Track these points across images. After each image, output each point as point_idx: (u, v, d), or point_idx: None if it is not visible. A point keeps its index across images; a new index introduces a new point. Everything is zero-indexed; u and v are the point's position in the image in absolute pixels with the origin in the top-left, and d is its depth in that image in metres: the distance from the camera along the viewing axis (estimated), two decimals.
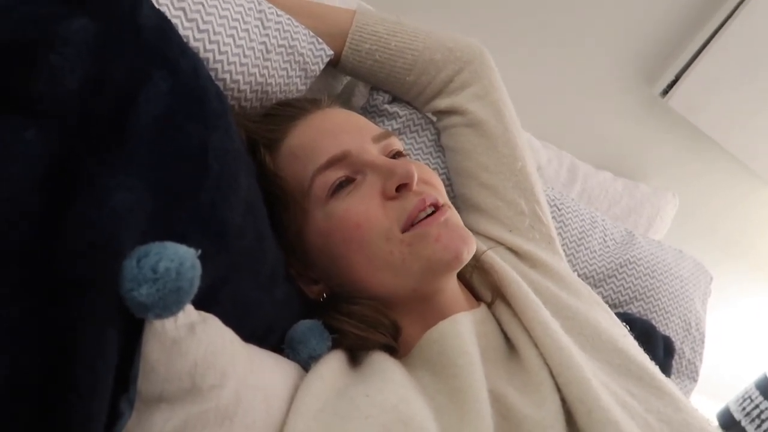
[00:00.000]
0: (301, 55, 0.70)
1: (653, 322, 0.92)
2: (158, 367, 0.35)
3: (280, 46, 0.67)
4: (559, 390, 0.51)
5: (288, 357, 0.53)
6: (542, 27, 1.12)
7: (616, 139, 1.27)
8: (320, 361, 0.52)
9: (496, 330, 0.60)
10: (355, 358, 0.57)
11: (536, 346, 0.55)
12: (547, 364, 0.54)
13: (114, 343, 0.33)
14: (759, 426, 1.24)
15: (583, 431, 0.48)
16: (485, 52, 0.78)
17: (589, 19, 1.12)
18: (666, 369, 0.88)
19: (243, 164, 0.52)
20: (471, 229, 0.72)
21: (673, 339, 0.93)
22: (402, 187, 0.57)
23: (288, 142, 0.61)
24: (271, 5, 0.68)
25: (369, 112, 0.83)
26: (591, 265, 0.92)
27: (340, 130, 0.61)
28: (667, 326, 0.94)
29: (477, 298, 0.66)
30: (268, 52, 0.66)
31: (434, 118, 0.84)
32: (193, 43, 0.56)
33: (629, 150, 1.29)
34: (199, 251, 0.36)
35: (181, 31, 0.54)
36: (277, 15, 0.68)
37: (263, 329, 0.52)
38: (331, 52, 0.74)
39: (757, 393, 1.28)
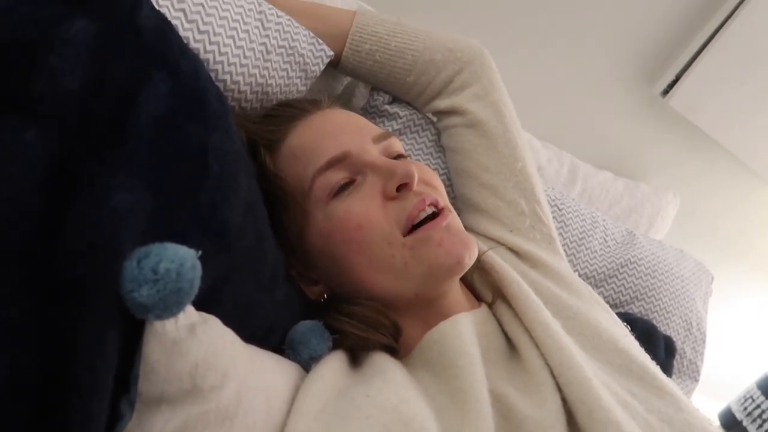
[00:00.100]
0: (302, 55, 0.70)
1: (654, 322, 0.92)
2: (159, 367, 0.35)
3: (280, 47, 0.67)
4: (560, 390, 0.51)
5: (289, 358, 0.53)
6: (542, 27, 1.12)
7: (617, 139, 1.27)
8: (321, 361, 0.52)
9: (496, 330, 0.60)
10: (356, 358, 0.57)
11: (537, 346, 0.55)
12: (547, 365, 0.53)
13: (114, 343, 0.33)
14: (761, 426, 1.24)
15: (584, 431, 0.48)
16: (485, 52, 0.78)
17: (590, 20, 1.12)
18: (667, 369, 0.88)
19: (243, 165, 0.52)
20: (471, 230, 0.72)
21: (675, 339, 0.93)
22: (402, 187, 0.57)
23: (288, 142, 0.61)
24: (271, 6, 0.68)
25: (369, 112, 0.83)
26: (592, 265, 0.92)
27: (340, 131, 0.61)
28: (668, 326, 0.94)
29: (478, 298, 0.66)
30: (268, 53, 0.66)
31: (434, 119, 0.84)
32: (193, 45, 0.56)
33: (630, 150, 1.29)
34: (200, 252, 0.36)
35: (182, 33, 0.54)
36: (277, 16, 0.68)
37: (264, 330, 0.52)
38: (332, 53, 0.74)
39: (758, 393, 1.28)
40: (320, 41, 0.73)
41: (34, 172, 0.33)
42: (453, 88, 0.77)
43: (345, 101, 0.89)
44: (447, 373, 0.52)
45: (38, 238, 0.32)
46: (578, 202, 0.97)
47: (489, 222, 0.72)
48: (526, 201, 0.72)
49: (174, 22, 0.53)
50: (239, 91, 0.64)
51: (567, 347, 0.54)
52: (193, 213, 0.43)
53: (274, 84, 0.68)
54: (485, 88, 0.76)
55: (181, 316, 0.36)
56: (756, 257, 1.47)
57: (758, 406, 1.26)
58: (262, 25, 0.65)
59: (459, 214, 0.65)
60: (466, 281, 0.67)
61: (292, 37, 0.69)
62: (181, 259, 0.34)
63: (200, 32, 0.57)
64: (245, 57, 0.63)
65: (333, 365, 0.52)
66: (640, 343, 0.63)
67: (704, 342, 0.98)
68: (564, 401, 0.51)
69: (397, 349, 0.57)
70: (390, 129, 0.81)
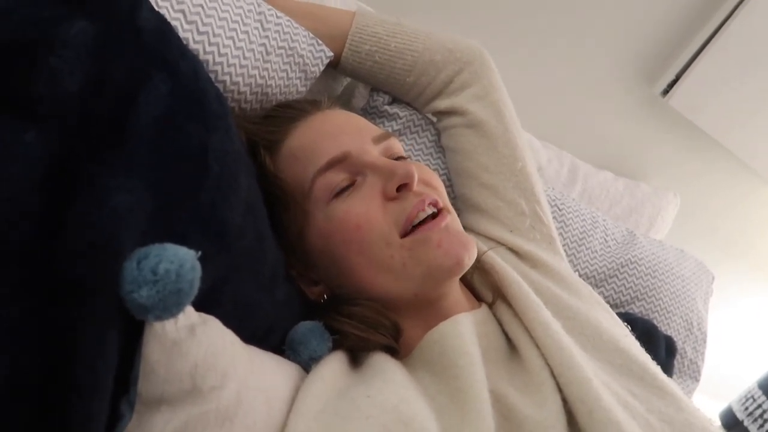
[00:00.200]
0: (301, 56, 0.70)
1: (655, 322, 0.92)
2: (158, 368, 0.35)
3: (279, 47, 0.67)
4: (560, 390, 0.51)
5: (289, 358, 0.53)
6: (543, 28, 1.12)
7: (617, 139, 1.27)
8: (321, 362, 0.52)
9: (497, 330, 0.60)
10: (356, 359, 0.57)
11: (537, 346, 0.55)
12: (548, 365, 0.53)
13: (114, 343, 0.34)
14: (761, 426, 1.24)
15: (585, 431, 0.48)
16: (485, 53, 0.78)
17: (590, 20, 1.12)
18: (668, 369, 0.88)
19: (243, 165, 0.52)
20: (471, 230, 0.72)
21: (675, 339, 0.93)
22: (402, 188, 0.57)
23: (288, 143, 0.62)
24: (270, 7, 0.68)
25: (369, 113, 0.83)
26: (592, 265, 0.92)
27: (340, 132, 0.61)
28: (668, 326, 0.94)
29: (478, 298, 0.66)
30: (267, 53, 0.66)
31: (434, 119, 0.84)
32: (192, 45, 0.57)
33: (630, 150, 1.29)
34: (199, 253, 0.36)
35: (181, 33, 0.54)
36: (277, 17, 0.68)
37: (264, 330, 0.52)
38: (331, 54, 0.74)
39: (759, 392, 1.28)
40: (320, 42, 0.73)
41: (34, 173, 0.33)
42: (453, 88, 0.77)
43: (345, 102, 0.89)
44: (447, 373, 0.52)
45: (38, 238, 0.32)
46: (578, 202, 0.97)
47: (489, 222, 0.72)
48: (526, 201, 0.72)
49: (173, 23, 0.54)
50: (239, 92, 0.64)
51: (567, 347, 0.53)
52: (193, 213, 0.43)
53: (273, 85, 0.68)
54: (485, 88, 0.76)
55: (181, 316, 0.36)
56: (756, 257, 1.47)
57: (759, 405, 1.26)
58: (262, 26, 0.65)
59: (459, 215, 0.65)
60: (466, 281, 0.67)
61: (291, 38, 0.69)
62: (180, 260, 0.34)
63: (200, 33, 0.57)
64: (245, 58, 0.63)
65: (333, 366, 0.52)
66: (640, 343, 0.63)
67: (705, 342, 0.98)
68: (564, 401, 0.51)
69: (397, 349, 0.57)
70: (390, 129, 0.81)
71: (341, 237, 0.57)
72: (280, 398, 0.45)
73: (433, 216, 0.58)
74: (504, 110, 0.76)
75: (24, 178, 0.32)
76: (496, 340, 0.59)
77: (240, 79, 0.63)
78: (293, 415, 0.44)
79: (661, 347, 0.87)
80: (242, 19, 0.63)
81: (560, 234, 0.88)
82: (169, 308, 0.34)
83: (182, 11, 0.55)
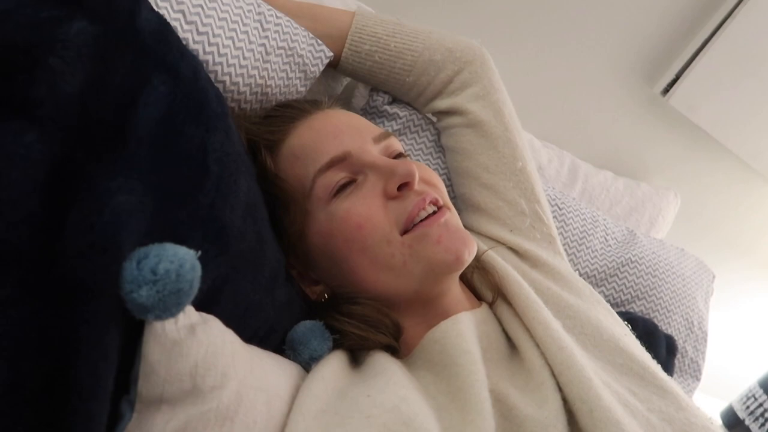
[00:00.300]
0: (301, 56, 0.70)
1: (655, 321, 0.92)
2: (159, 368, 0.35)
3: (279, 48, 0.67)
4: (560, 389, 0.51)
5: (289, 358, 0.53)
6: (542, 27, 1.12)
7: (617, 139, 1.27)
8: (321, 361, 0.52)
9: (497, 330, 0.60)
10: (357, 358, 0.57)
11: (537, 345, 0.55)
12: (548, 364, 0.53)
13: (114, 344, 0.34)
14: (763, 425, 1.23)
15: (585, 431, 0.48)
16: (485, 52, 0.78)
17: (590, 19, 1.12)
18: (668, 368, 0.88)
19: (243, 166, 0.52)
20: (472, 229, 0.73)
21: (676, 338, 0.93)
22: (403, 187, 0.57)
23: (289, 143, 0.62)
24: (270, 7, 0.68)
25: (369, 113, 0.83)
26: (592, 265, 0.92)
27: (340, 131, 0.61)
28: (669, 325, 0.94)
29: (478, 297, 0.66)
30: (267, 54, 0.66)
31: (434, 119, 0.84)
32: (192, 46, 0.57)
33: (630, 149, 1.29)
34: (199, 253, 0.36)
35: (181, 34, 0.54)
36: (277, 17, 0.68)
37: (264, 330, 0.53)
38: (331, 54, 0.74)
39: (761, 392, 1.28)
40: (319, 42, 0.73)
41: (35, 175, 0.33)
42: (453, 88, 0.77)
43: (345, 102, 0.89)
44: (448, 372, 0.52)
45: (39, 240, 0.32)
46: (579, 202, 0.97)
47: (489, 222, 0.72)
48: (527, 200, 0.72)
49: (173, 23, 0.54)
50: (239, 92, 0.64)
51: (567, 346, 0.54)
52: (193, 214, 0.43)
53: (273, 85, 0.68)
54: (485, 88, 0.76)
55: (181, 316, 0.36)
56: (757, 255, 1.47)
57: (761, 404, 1.26)
58: (261, 26, 0.65)
59: (459, 214, 0.65)
60: (466, 281, 0.67)
61: (291, 38, 0.69)
62: (180, 260, 0.34)
63: (199, 33, 0.57)
64: (244, 58, 0.63)
65: (333, 365, 0.52)
66: (641, 342, 0.64)
67: (705, 341, 0.98)
68: (564, 401, 0.51)
69: (397, 348, 0.57)
70: (390, 129, 0.81)
71: (342, 236, 0.57)
72: (281, 398, 0.45)
73: (434, 214, 0.58)
74: (504, 110, 0.76)
75: (24, 179, 0.32)
76: (496, 339, 0.59)
77: (240, 79, 0.63)
78: (293, 415, 0.44)
79: (661, 346, 0.87)
80: (242, 20, 0.63)
81: (560, 233, 0.88)
82: (169, 308, 0.34)
83: (182, 12, 0.55)
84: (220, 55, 0.60)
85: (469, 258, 0.56)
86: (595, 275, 0.92)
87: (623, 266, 0.94)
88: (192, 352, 0.36)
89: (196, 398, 0.37)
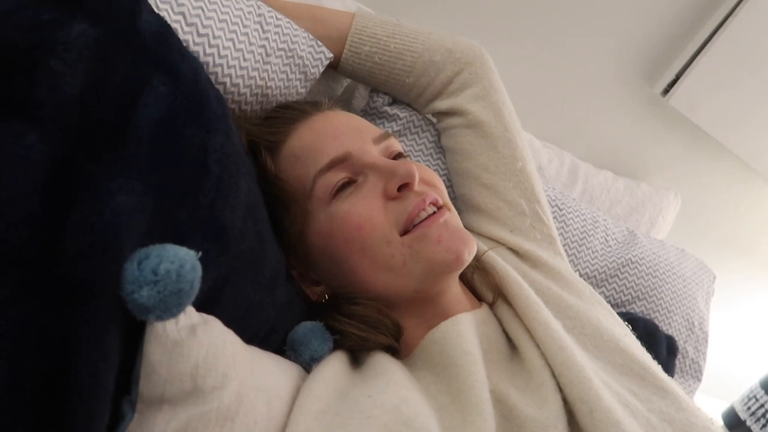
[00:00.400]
0: (301, 58, 0.70)
1: (656, 322, 0.92)
2: (160, 368, 0.35)
3: (279, 49, 0.67)
4: (560, 390, 0.51)
5: (290, 358, 0.53)
6: (543, 28, 1.12)
7: (617, 139, 1.27)
8: (322, 362, 0.53)
9: (497, 330, 0.60)
10: (357, 358, 0.57)
11: (538, 346, 0.55)
12: (548, 365, 0.54)
13: (115, 344, 0.34)
14: (764, 426, 1.23)
15: (585, 431, 0.48)
16: (485, 53, 0.78)
17: (590, 19, 1.12)
18: (669, 368, 0.88)
19: (243, 167, 0.52)
20: (472, 230, 0.73)
21: (677, 338, 0.93)
22: (404, 187, 0.57)
23: (289, 144, 0.62)
24: (270, 9, 0.68)
25: (369, 114, 0.83)
26: (593, 265, 0.92)
27: (340, 132, 0.61)
28: (670, 325, 0.94)
29: (478, 298, 0.66)
30: (267, 55, 0.66)
31: (434, 120, 0.84)
32: (192, 48, 0.57)
33: (630, 149, 1.29)
34: (200, 253, 0.37)
35: (181, 36, 0.54)
36: (277, 18, 0.68)
37: (265, 331, 0.53)
38: (331, 55, 0.74)
39: (762, 392, 1.27)
40: (319, 43, 0.73)
41: (35, 175, 0.33)
42: (453, 88, 0.77)
43: (345, 103, 0.89)
44: (448, 373, 0.52)
45: (39, 240, 0.33)
46: (579, 202, 0.97)
47: (489, 222, 0.72)
48: (527, 201, 0.72)
49: (173, 25, 0.54)
50: (239, 94, 0.64)
51: (568, 347, 0.54)
52: (194, 215, 0.44)
53: (273, 86, 0.68)
54: (485, 88, 0.76)
55: (182, 317, 0.36)
56: (758, 256, 1.46)
57: (762, 405, 1.26)
58: (262, 27, 0.66)
59: (459, 215, 0.65)
60: (466, 281, 0.67)
61: (291, 39, 0.69)
62: (181, 260, 0.34)
63: (200, 35, 0.57)
64: (245, 59, 0.63)
65: (334, 366, 0.52)
66: (641, 343, 0.64)
67: (706, 341, 0.98)
68: (565, 401, 0.51)
69: (398, 349, 0.57)
70: (390, 130, 0.81)
71: (342, 237, 0.57)
72: (281, 398, 0.45)
73: (433, 214, 0.58)
74: (504, 110, 0.76)
75: (25, 180, 0.33)
76: (496, 340, 0.59)
77: (240, 80, 0.63)
78: (294, 415, 0.44)
79: (662, 347, 0.87)
80: (242, 21, 0.63)
81: (561, 234, 0.88)
82: (169, 308, 0.34)
83: (182, 13, 0.56)
84: (220, 56, 0.60)
85: (469, 257, 0.56)
86: (595, 276, 0.92)
87: (624, 267, 0.94)
88: (193, 352, 0.36)
89: (196, 398, 0.37)
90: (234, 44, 0.61)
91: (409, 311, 0.59)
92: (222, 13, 0.60)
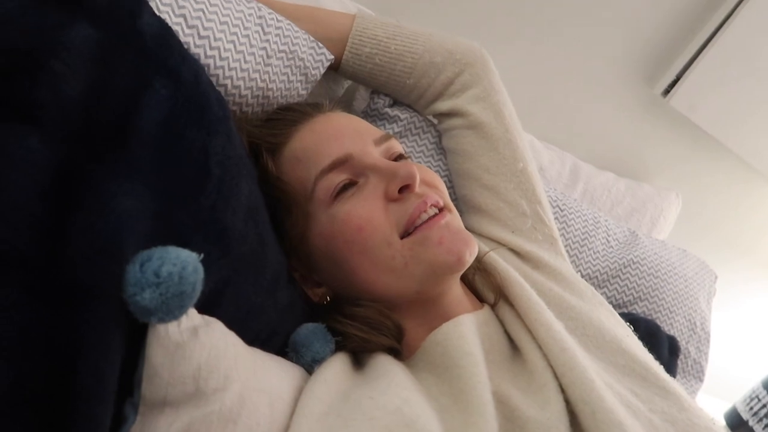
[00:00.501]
0: (302, 60, 0.70)
1: (658, 322, 0.92)
2: (162, 371, 0.35)
3: (280, 51, 0.67)
4: (563, 391, 0.51)
5: (291, 360, 0.53)
6: (543, 29, 1.12)
7: (618, 140, 1.27)
8: (324, 364, 0.53)
9: (499, 331, 0.60)
10: (359, 360, 0.57)
11: (540, 347, 0.55)
12: (550, 365, 0.53)
13: (118, 347, 0.34)
14: (767, 426, 1.23)
15: None
16: (485, 54, 0.79)
17: (590, 20, 1.12)
18: (671, 369, 0.88)
19: (244, 169, 0.52)
20: (473, 231, 0.73)
21: (678, 339, 0.93)
22: (405, 189, 0.57)
23: (291, 146, 0.62)
24: (270, 11, 0.68)
25: (370, 115, 0.83)
26: (594, 266, 0.92)
27: (341, 134, 0.61)
28: (671, 326, 0.94)
29: (480, 299, 0.66)
30: (268, 57, 0.66)
31: (435, 121, 0.84)
32: (193, 50, 0.57)
33: (631, 150, 1.29)
34: (201, 255, 0.37)
35: (182, 38, 0.54)
36: (277, 20, 0.68)
37: (267, 333, 0.53)
38: (332, 57, 0.75)
39: (764, 392, 1.27)
40: (320, 45, 0.73)
41: (38, 178, 0.33)
42: (453, 90, 0.77)
43: (346, 104, 0.89)
44: (450, 374, 0.52)
45: (42, 243, 0.33)
46: (580, 203, 0.97)
47: (491, 223, 0.72)
48: (528, 202, 0.72)
49: (175, 27, 0.54)
50: (240, 96, 0.64)
51: (570, 348, 0.53)
52: (195, 217, 0.44)
53: (274, 88, 0.68)
54: (486, 89, 0.76)
55: (184, 319, 0.36)
56: (759, 255, 1.46)
57: (764, 405, 1.26)
58: (262, 29, 0.66)
59: (461, 216, 0.65)
60: (468, 282, 0.67)
61: (292, 41, 0.69)
62: (183, 263, 0.34)
63: (201, 37, 0.57)
64: (246, 62, 0.63)
65: (336, 368, 0.52)
66: (643, 344, 0.63)
67: (708, 341, 0.98)
68: (567, 402, 0.51)
69: (399, 350, 0.57)
70: (391, 132, 0.81)
71: (343, 238, 0.57)
72: (283, 400, 0.45)
73: (434, 216, 0.58)
74: (504, 111, 0.76)
75: (27, 183, 0.33)
76: (498, 341, 0.59)
77: (241, 82, 0.63)
78: (296, 417, 0.44)
79: (664, 347, 0.87)
80: (243, 23, 0.63)
81: (562, 235, 0.88)
82: (172, 311, 0.34)
83: (183, 16, 0.56)
84: (221, 58, 0.60)
85: (470, 259, 0.56)
86: (597, 276, 0.92)
87: (625, 267, 0.93)
88: (195, 354, 0.36)
89: (199, 401, 0.37)
90: (235, 46, 0.61)
91: (410, 313, 0.59)
92: (223, 15, 0.60)
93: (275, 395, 0.44)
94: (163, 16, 0.53)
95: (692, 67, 1.13)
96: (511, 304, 0.61)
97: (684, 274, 0.98)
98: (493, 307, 0.64)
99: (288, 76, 0.70)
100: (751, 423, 1.26)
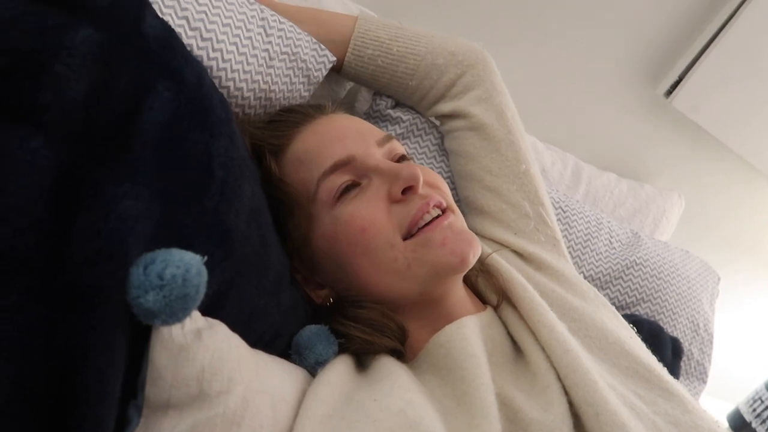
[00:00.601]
0: (304, 61, 0.70)
1: (661, 324, 0.92)
2: (165, 373, 0.35)
3: (282, 53, 0.67)
4: (566, 393, 0.51)
5: (295, 362, 0.53)
6: (545, 31, 1.12)
7: (621, 141, 1.27)
8: (327, 366, 0.52)
9: (502, 333, 0.60)
10: (362, 362, 0.57)
11: (543, 348, 0.55)
12: (553, 367, 0.53)
13: (122, 349, 0.34)
14: None
15: None
16: (487, 55, 0.79)
17: (593, 22, 1.12)
18: (674, 370, 0.87)
19: (247, 171, 0.52)
20: (476, 232, 0.72)
21: (681, 340, 0.92)
22: (408, 190, 0.57)
23: (293, 147, 0.62)
24: (273, 12, 0.68)
25: (372, 117, 0.83)
26: (597, 267, 0.92)
27: (344, 135, 0.61)
28: (674, 327, 0.94)
29: (483, 301, 0.66)
30: (271, 59, 0.66)
31: (437, 122, 0.84)
32: (196, 52, 0.57)
33: (633, 151, 1.29)
34: (205, 257, 0.37)
35: (185, 40, 0.55)
36: (280, 22, 0.68)
37: (270, 335, 0.53)
38: (334, 58, 0.75)
39: (767, 394, 1.27)
40: (323, 47, 0.73)
41: (40, 180, 0.33)
42: (455, 91, 0.77)
43: (348, 106, 0.89)
44: (453, 376, 0.52)
45: (45, 246, 0.33)
46: (582, 204, 0.96)
47: (493, 224, 0.72)
48: (530, 203, 0.72)
49: (177, 29, 0.54)
50: (243, 98, 0.64)
51: (573, 349, 0.53)
52: (198, 219, 0.44)
53: (277, 90, 0.68)
54: (488, 91, 0.76)
55: (188, 321, 0.36)
56: (762, 256, 1.46)
57: (767, 407, 1.25)
58: (265, 31, 0.66)
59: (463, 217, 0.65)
60: (471, 284, 0.67)
61: (294, 43, 0.69)
62: (186, 265, 0.34)
63: (203, 39, 0.58)
64: (248, 63, 0.63)
65: (339, 369, 0.52)
66: (646, 345, 0.63)
67: (711, 343, 0.98)
68: (570, 404, 0.50)
69: (403, 352, 0.57)
70: (393, 133, 0.81)
71: (346, 240, 0.57)
72: (287, 402, 0.45)
73: (437, 218, 0.58)
74: (506, 113, 0.76)
75: (30, 185, 0.33)
76: (501, 342, 0.59)
77: (243, 84, 0.63)
78: (300, 419, 0.44)
79: (667, 349, 0.86)
80: (245, 25, 0.63)
81: (565, 236, 0.88)
82: (175, 313, 0.34)
83: (186, 18, 0.56)
84: (224, 60, 0.60)
85: (473, 259, 0.56)
86: (599, 278, 0.92)
87: (628, 269, 0.93)
88: (198, 356, 0.36)
89: (202, 403, 0.37)
90: (237, 48, 0.61)
91: (413, 314, 0.59)
92: (225, 17, 0.60)
93: (278, 397, 0.44)
94: (166, 18, 0.53)
95: (695, 67, 1.13)
96: (513, 305, 0.61)
97: (687, 276, 0.98)
98: (495, 308, 0.64)
99: (290, 78, 0.70)
100: (754, 425, 1.26)
